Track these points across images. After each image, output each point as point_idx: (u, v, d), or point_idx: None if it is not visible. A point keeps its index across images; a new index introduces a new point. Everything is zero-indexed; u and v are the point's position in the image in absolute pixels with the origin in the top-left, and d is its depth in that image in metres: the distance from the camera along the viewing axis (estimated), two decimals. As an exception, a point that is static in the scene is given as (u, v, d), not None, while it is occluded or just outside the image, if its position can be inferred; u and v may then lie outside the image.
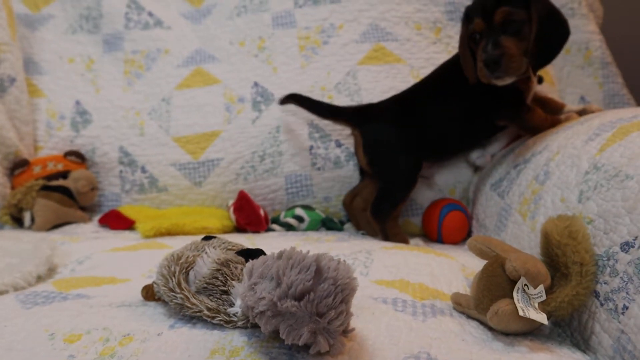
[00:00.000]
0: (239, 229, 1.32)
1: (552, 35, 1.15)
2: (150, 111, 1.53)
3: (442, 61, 1.56)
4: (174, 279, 0.72)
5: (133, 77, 1.59)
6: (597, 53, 1.67)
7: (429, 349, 0.64)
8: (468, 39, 1.20)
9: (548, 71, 1.63)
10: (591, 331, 0.71)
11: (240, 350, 0.63)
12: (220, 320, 0.68)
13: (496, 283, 0.73)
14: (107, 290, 0.87)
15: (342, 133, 1.45)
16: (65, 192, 1.40)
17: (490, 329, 0.71)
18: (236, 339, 0.65)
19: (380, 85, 1.51)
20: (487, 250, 0.77)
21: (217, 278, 0.72)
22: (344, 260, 0.61)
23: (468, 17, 1.19)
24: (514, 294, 0.69)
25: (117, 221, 1.36)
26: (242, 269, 0.73)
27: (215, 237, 0.87)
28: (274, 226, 1.34)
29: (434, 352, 0.63)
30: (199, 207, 1.46)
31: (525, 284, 0.70)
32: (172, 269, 0.73)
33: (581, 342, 0.74)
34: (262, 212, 1.33)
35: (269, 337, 0.65)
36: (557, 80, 1.70)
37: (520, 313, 0.67)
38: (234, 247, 0.83)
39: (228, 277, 0.72)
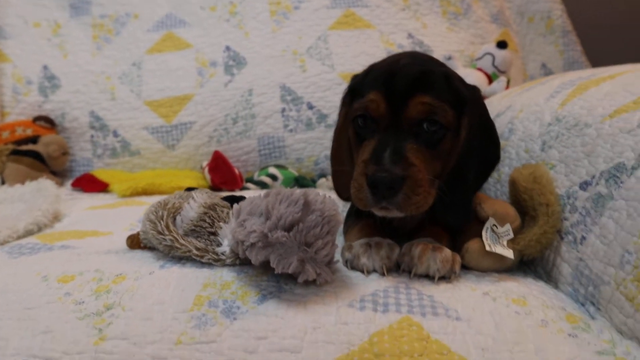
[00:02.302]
0: (214, 188, 1.35)
1: (481, 158, 0.77)
2: (121, 75, 1.53)
3: (410, 27, 1.61)
4: (162, 222, 0.74)
5: (102, 41, 1.57)
6: (559, 21, 1.75)
7: (407, 281, 0.69)
8: (350, 123, 0.79)
9: (512, 38, 1.70)
10: (553, 263, 0.78)
11: (230, 283, 0.66)
12: (209, 258, 0.71)
13: (469, 227, 0.78)
14: (91, 242, 0.88)
15: (314, 95, 1.48)
16: (36, 156, 1.39)
17: (465, 268, 0.76)
18: (226, 274, 0.69)
19: (350, 50, 1.54)
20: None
21: (204, 220, 0.75)
22: (329, 196, 0.65)
23: (354, 90, 0.80)
24: (483, 232, 0.74)
25: (90, 184, 1.36)
26: (228, 212, 0.77)
27: (197, 188, 0.90)
28: (249, 185, 1.37)
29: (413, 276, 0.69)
30: (172, 169, 1.47)
31: (494, 224, 0.75)
32: (160, 213, 0.76)
33: (543, 274, 0.80)
34: (236, 171, 1.36)
35: (257, 271, 0.69)
36: (521, 47, 1.77)
37: (487, 248, 0.72)
38: (217, 196, 0.86)
39: (215, 220, 0.75)
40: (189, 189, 0.89)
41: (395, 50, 1.55)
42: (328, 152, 1.47)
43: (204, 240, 0.74)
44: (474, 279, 0.72)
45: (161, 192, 1.26)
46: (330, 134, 1.47)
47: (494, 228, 0.75)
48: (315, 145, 1.47)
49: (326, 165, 1.48)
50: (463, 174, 0.75)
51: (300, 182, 1.41)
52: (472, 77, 1.50)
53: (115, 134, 1.49)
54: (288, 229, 0.61)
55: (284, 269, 0.62)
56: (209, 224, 0.75)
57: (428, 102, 0.71)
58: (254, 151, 1.47)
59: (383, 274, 0.70)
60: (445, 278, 0.69)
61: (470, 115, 0.75)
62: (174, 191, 1.25)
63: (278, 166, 1.42)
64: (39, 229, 0.99)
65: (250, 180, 1.40)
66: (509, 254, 0.73)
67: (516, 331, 0.59)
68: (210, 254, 0.72)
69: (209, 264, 0.72)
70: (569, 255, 0.74)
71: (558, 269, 0.76)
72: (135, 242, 0.84)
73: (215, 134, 1.47)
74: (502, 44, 1.55)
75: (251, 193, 1.32)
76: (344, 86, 1.48)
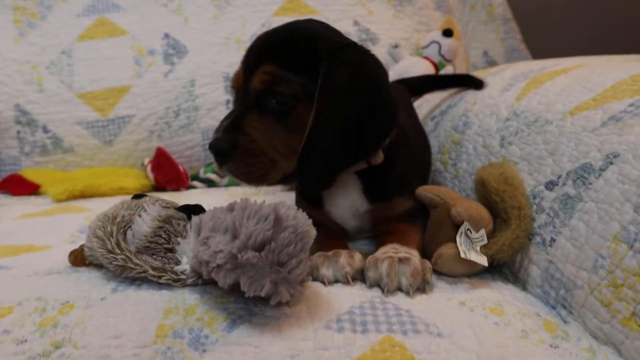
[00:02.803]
0: (158, 188, 1.26)
1: (349, 124, 0.69)
2: (49, 65, 1.39)
3: (355, 14, 1.57)
4: (112, 240, 0.67)
5: (25, 26, 1.42)
6: (500, 9, 1.76)
7: (381, 294, 0.66)
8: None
9: (455, 26, 1.69)
10: (520, 265, 0.78)
11: (195, 308, 0.61)
12: (168, 279, 0.65)
13: (442, 230, 0.76)
14: (27, 259, 0.79)
15: (261, 87, 1.42)
16: (-47, 156, 1.24)
17: (436, 273, 0.74)
18: (188, 297, 0.63)
19: (297, 37, 1.48)
20: (436, 198, 0.79)
21: (159, 236, 0.69)
22: (300, 210, 0.61)
23: None
24: (457, 237, 0.72)
25: (19, 186, 1.24)
26: (184, 225, 0.71)
27: (146, 195, 0.82)
28: (195, 183, 1.29)
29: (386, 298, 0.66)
30: (110, 167, 1.36)
31: (469, 229, 0.73)
32: (109, 229, 0.69)
33: (510, 275, 0.80)
34: (181, 168, 1.28)
35: (222, 292, 0.64)
36: (463, 35, 1.77)
37: (462, 255, 0.71)
38: (169, 205, 0.79)
39: (171, 234, 0.69)
40: (137, 196, 0.82)
41: (343, 38, 1.51)
42: (277, 145, 1.41)
43: (160, 258, 0.68)
44: (446, 287, 0.70)
45: (101, 194, 1.16)
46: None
47: (468, 233, 0.74)
48: (264, 138, 1.41)
49: (276, 158, 1.42)
50: (316, 144, 0.68)
51: (250, 177, 1.35)
52: (419, 65, 1.49)
53: (45, 130, 1.36)
54: (259, 248, 0.56)
55: (256, 292, 0.57)
56: (164, 239, 0.68)
57: (270, 72, 0.69)
58: (198, 146, 1.39)
59: (348, 283, 0.67)
60: (419, 289, 0.67)
61: (326, 74, 0.68)
62: (115, 193, 1.18)
63: (226, 161, 1.36)
64: None
65: (195, 177, 1.32)
66: (483, 261, 0.72)
67: (499, 345, 0.57)
68: (169, 273, 0.66)
69: (167, 285, 0.66)
70: (538, 257, 0.74)
71: (526, 271, 0.76)
72: (79, 259, 0.76)
73: (156, 128, 1.38)
74: (447, 32, 1.54)
75: (198, 192, 1.26)
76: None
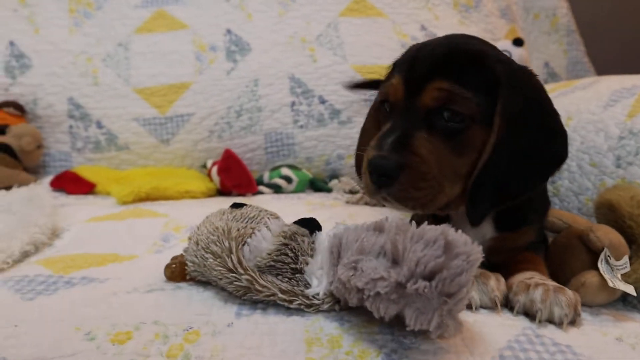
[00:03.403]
0: (224, 191, 1.19)
1: (528, 153, 0.63)
2: (105, 57, 1.32)
3: (422, 18, 1.50)
4: (232, 257, 0.60)
5: (81, 16, 1.35)
6: (564, 20, 1.70)
7: (529, 325, 0.59)
8: (378, 104, 0.74)
9: (519, 35, 1.63)
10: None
11: (339, 339, 0.54)
12: (300, 304, 0.58)
13: (574, 256, 0.69)
14: (116, 271, 0.72)
15: (326, 89, 1.35)
16: (6, 150, 1.16)
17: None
18: (325, 325, 0.56)
19: (362, 40, 1.41)
20: (558, 222, 0.73)
21: (286, 254, 0.61)
22: (467, 236, 0.53)
23: (392, 69, 0.72)
24: (600, 265, 0.65)
25: (74, 184, 1.16)
26: (309, 243, 0.63)
27: (246, 205, 0.75)
28: (262, 188, 1.22)
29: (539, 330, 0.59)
30: (167, 167, 1.29)
31: (608, 255, 0.67)
32: (227, 244, 0.61)
33: (638, 305, 0.73)
34: (250, 173, 1.21)
35: (361, 319, 0.57)
36: (525, 46, 1.71)
37: (610, 284, 0.64)
38: (274, 215, 0.72)
39: (298, 253, 0.62)
40: (236, 205, 0.74)
41: (409, 42, 1.44)
42: (341, 152, 1.35)
43: (286, 278, 0.60)
44: (591, 319, 0.63)
45: (167, 197, 1.09)
46: (343, 132, 1.35)
47: (609, 260, 0.67)
48: (327, 143, 1.34)
49: (338, 165, 1.35)
50: (493, 172, 0.62)
51: (315, 184, 1.28)
52: (489, 74, 1.43)
53: (99, 125, 1.28)
54: (429, 277, 0.49)
55: (422, 325, 0.50)
56: (291, 258, 0.61)
57: (445, 89, 0.62)
58: (259, 148, 1.32)
59: (495, 307, 0.61)
60: (571, 322, 0.60)
61: (507, 99, 0.62)
62: (181, 196, 1.11)
63: (291, 166, 1.28)
64: (36, 249, 0.80)
65: (260, 182, 1.25)
66: (631, 290, 0.65)
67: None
68: (300, 297, 0.58)
69: (297, 309, 0.58)
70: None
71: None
72: (176, 274, 0.69)
73: (217, 128, 1.31)
74: (518, 42, 1.49)
75: (267, 198, 1.18)
76: (357, 79, 1.36)
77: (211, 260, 0.61)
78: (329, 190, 1.28)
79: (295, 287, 0.59)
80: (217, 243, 0.62)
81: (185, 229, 0.87)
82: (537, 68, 1.73)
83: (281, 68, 1.34)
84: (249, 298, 0.60)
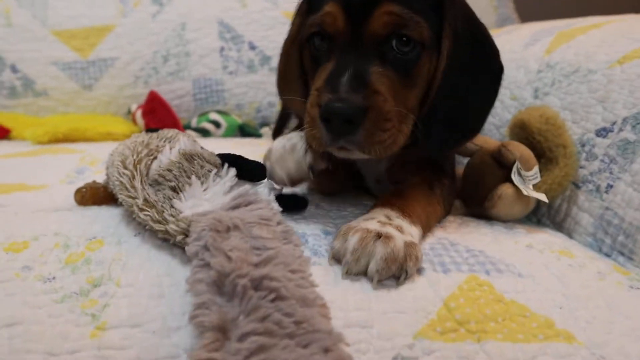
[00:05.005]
0: (149, 137, 1.15)
1: (476, 74, 0.61)
2: (19, -4, 1.24)
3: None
4: (127, 172, 0.56)
5: (-10, -50, 1.25)
6: (494, -25, 1.72)
7: (446, 235, 0.61)
8: (302, 42, 0.65)
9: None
10: (566, 213, 0.75)
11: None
12: (148, 215, 0.52)
13: (487, 173, 0.71)
14: (23, 198, 0.68)
15: (256, 34, 1.32)
16: None
17: (487, 219, 0.70)
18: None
19: None
20: (470, 145, 0.75)
21: (170, 170, 0.56)
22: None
23: (310, 3, 0.64)
24: (513, 177, 0.68)
25: (-13, 129, 1.10)
26: (208, 170, 0.56)
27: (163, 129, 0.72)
28: (189, 132, 1.19)
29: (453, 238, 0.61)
30: (90, 114, 1.23)
31: (520, 167, 0.69)
32: (131, 159, 0.58)
33: (550, 225, 0.77)
34: (176, 115, 1.17)
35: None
36: None
37: (524, 193, 0.67)
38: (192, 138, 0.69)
39: (184, 172, 0.55)
40: (152, 130, 0.70)
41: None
42: (272, 99, 1.33)
43: (162, 196, 0.54)
44: (506, 231, 0.66)
45: (87, 138, 1.04)
46: (274, 78, 1.32)
47: (520, 171, 0.69)
48: (258, 90, 1.32)
49: (269, 112, 1.34)
50: (448, 98, 0.58)
51: (245, 130, 1.26)
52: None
53: (14, 69, 1.21)
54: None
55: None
56: (174, 177, 0.55)
57: (396, 13, 0.55)
58: (188, 95, 1.28)
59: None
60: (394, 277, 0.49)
61: (453, 20, 0.58)
62: (102, 138, 1.07)
63: (219, 112, 1.26)
64: None
65: (188, 127, 1.22)
66: (543, 197, 0.68)
67: (582, 286, 0.53)
68: (153, 211, 0.52)
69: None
70: (590, 205, 0.71)
71: (574, 220, 0.73)
72: (87, 198, 0.66)
73: (143, 73, 1.26)
74: None
75: (201, 141, 1.15)
76: (288, 26, 1.34)
77: (117, 175, 0.58)
78: (259, 136, 1.27)
79: (161, 204, 0.53)
80: (125, 159, 0.59)
81: (102, 163, 0.83)
82: (468, 23, 1.76)
83: (209, 12, 1.30)
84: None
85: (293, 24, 0.68)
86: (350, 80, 0.53)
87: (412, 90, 0.58)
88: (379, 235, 0.50)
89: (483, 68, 0.62)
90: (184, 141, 0.62)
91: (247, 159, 0.58)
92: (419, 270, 0.51)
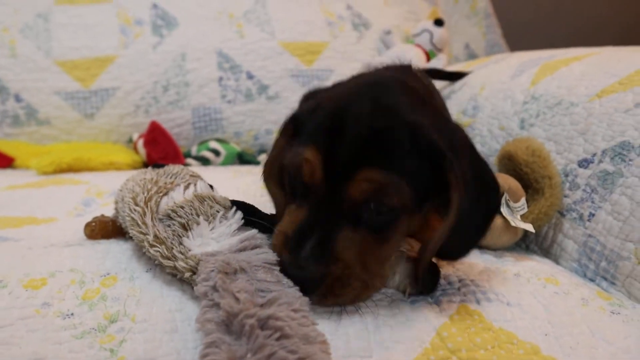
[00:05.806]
0: (150, 164, 1.18)
1: (476, 214, 0.58)
2: (24, 28, 1.27)
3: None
4: (138, 208, 0.59)
5: (-5, -15, 1.29)
6: (482, 4, 1.79)
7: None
8: (282, 165, 0.62)
9: (439, 15, 1.70)
10: (552, 240, 0.79)
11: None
12: (157, 251, 0.54)
13: None
14: (33, 232, 0.71)
15: (254, 64, 1.37)
16: None
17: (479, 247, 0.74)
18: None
19: (290, 16, 1.44)
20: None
21: (182, 208, 0.59)
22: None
23: (297, 121, 0.61)
24: (501, 209, 0.72)
25: (-8, 159, 1.13)
26: (217, 210, 0.60)
27: (167, 165, 0.75)
28: (189, 160, 1.23)
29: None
30: (92, 142, 1.27)
31: (508, 199, 0.73)
32: (142, 196, 0.62)
33: (538, 251, 0.81)
34: (177, 145, 1.21)
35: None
36: (446, 28, 1.79)
37: (512, 224, 0.71)
38: (194, 173, 0.73)
39: (198, 214, 0.58)
40: (157, 166, 0.74)
41: (335, 22, 1.48)
42: (269, 127, 1.37)
43: (171, 233, 0.57)
44: (494, 260, 0.70)
45: (90, 168, 1.08)
46: (271, 107, 1.37)
47: (509, 203, 0.73)
48: (255, 118, 1.36)
49: (267, 140, 1.38)
50: (454, 234, 0.55)
51: (243, 157, 1.30)
52: (412, 52, 1.49)
53: (18, 99, 1.24)
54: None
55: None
56: (185, 215, 0.58)
57: (377, 180, 0.52)
58: (187, 123, 1.32)
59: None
60: None
61: (459, 169, 0.54)
62: (105, 168, 1.10)
63: (219, 140, 1.30)
64: None
65: (188, 155, 1.26)
66: (530, 227, 0.72)
67: (566, 313, 0.57)
68: (163, 247, 0.54)
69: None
70: (575, 232, 0.75)
71: (560, 246, 0.77)
72: (96, 232, 0.69)
73: (143, 102, 1.30)
74: (439, 22, 1.55)
75: (195, 170, 1.18)
76: (285, 56, 1.39)
77: (128, 211, 0.62)
78: (258, 164, 1.30)
79: (170, 241, 0.55)
80: (136, 196, 0.63)
81: (107, 194, 0.87)
82: (458, 49, 1.81)
83: (209, 43, 1.34)
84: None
85: (276, 145, 0.65)
86: (313, 247, 0.52)
87: (388, 247, 0.56)
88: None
89: (485, 206, 0.59)
90: (200, 185, 0.65)
91: (257, 210, 0.62)
92: (413, 302, 0.54)
